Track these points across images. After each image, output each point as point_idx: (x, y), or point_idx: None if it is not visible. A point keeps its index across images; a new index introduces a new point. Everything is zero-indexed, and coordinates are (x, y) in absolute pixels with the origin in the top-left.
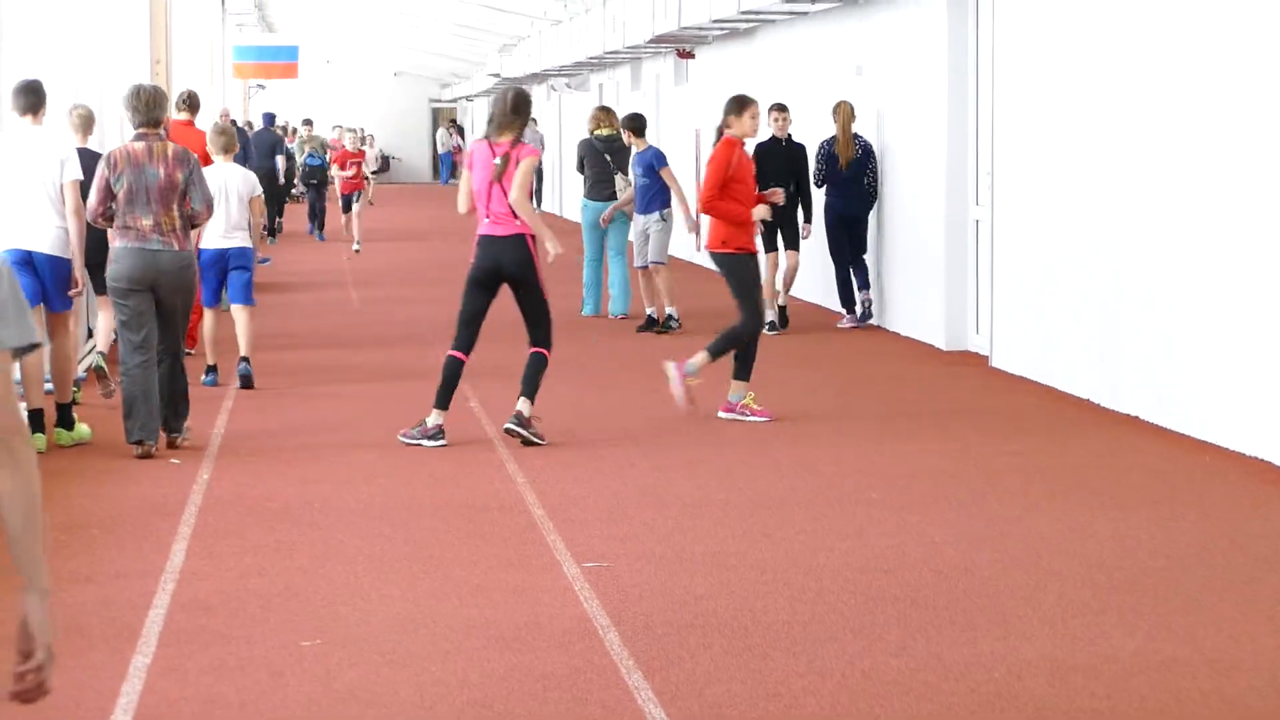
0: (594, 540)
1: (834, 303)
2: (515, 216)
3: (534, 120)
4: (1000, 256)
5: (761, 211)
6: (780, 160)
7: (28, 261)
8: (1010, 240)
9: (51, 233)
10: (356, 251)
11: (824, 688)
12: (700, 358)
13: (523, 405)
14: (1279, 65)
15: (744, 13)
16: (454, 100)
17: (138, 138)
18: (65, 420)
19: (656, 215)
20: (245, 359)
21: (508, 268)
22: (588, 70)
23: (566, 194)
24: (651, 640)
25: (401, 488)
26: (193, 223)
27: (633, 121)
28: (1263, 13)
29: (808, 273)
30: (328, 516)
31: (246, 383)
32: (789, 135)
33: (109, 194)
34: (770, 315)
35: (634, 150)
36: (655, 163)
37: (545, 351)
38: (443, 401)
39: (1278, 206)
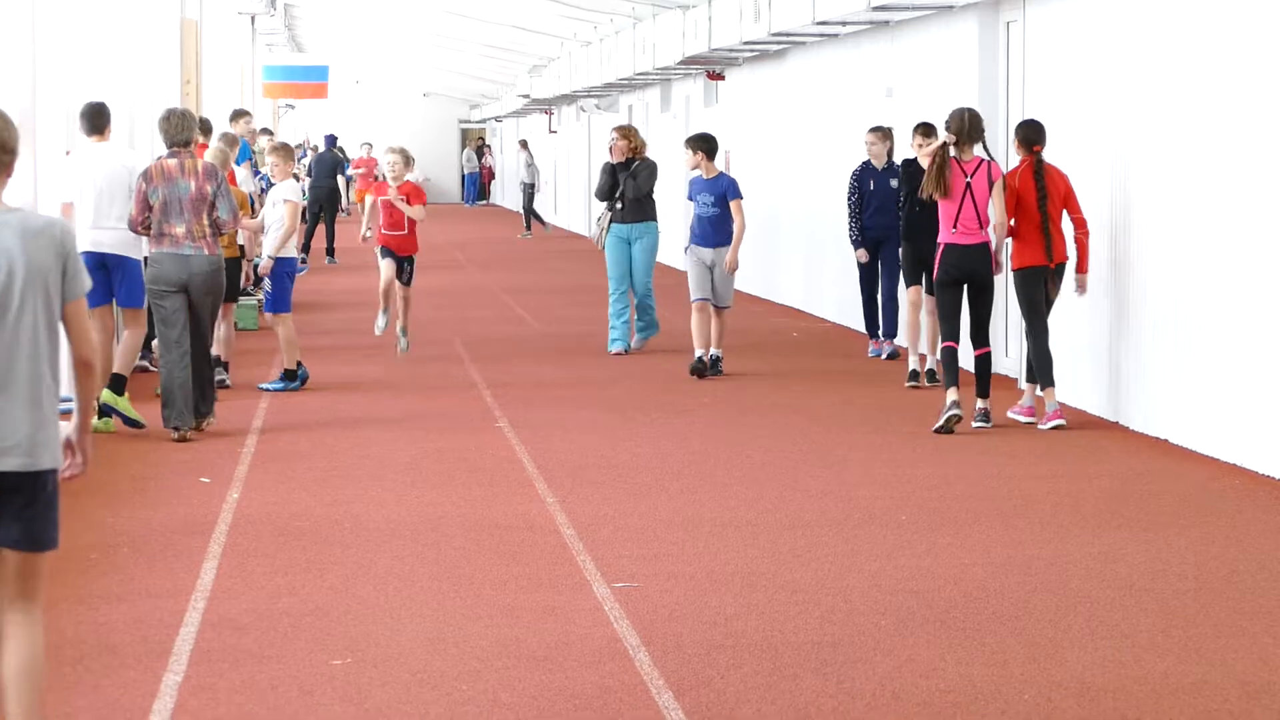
0: (624, 560)
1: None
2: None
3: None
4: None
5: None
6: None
7: (101, 264)
8: None
9: (120, 235)
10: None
11: (854, 709)
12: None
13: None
14: None
15: (774, 35)
16: (483, 121)
17: (170, 155)
18: (118, 386)
19: (726, 249)
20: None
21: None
22: (617, 92)
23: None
24: (682, 660)
25: (432, 508)
26: (219, 230)
27: (705, 143)
28: None
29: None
30: (358, 536)
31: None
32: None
33: (146, 205)
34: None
35: (700, 174)
36: (730, 193)
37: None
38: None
39: None
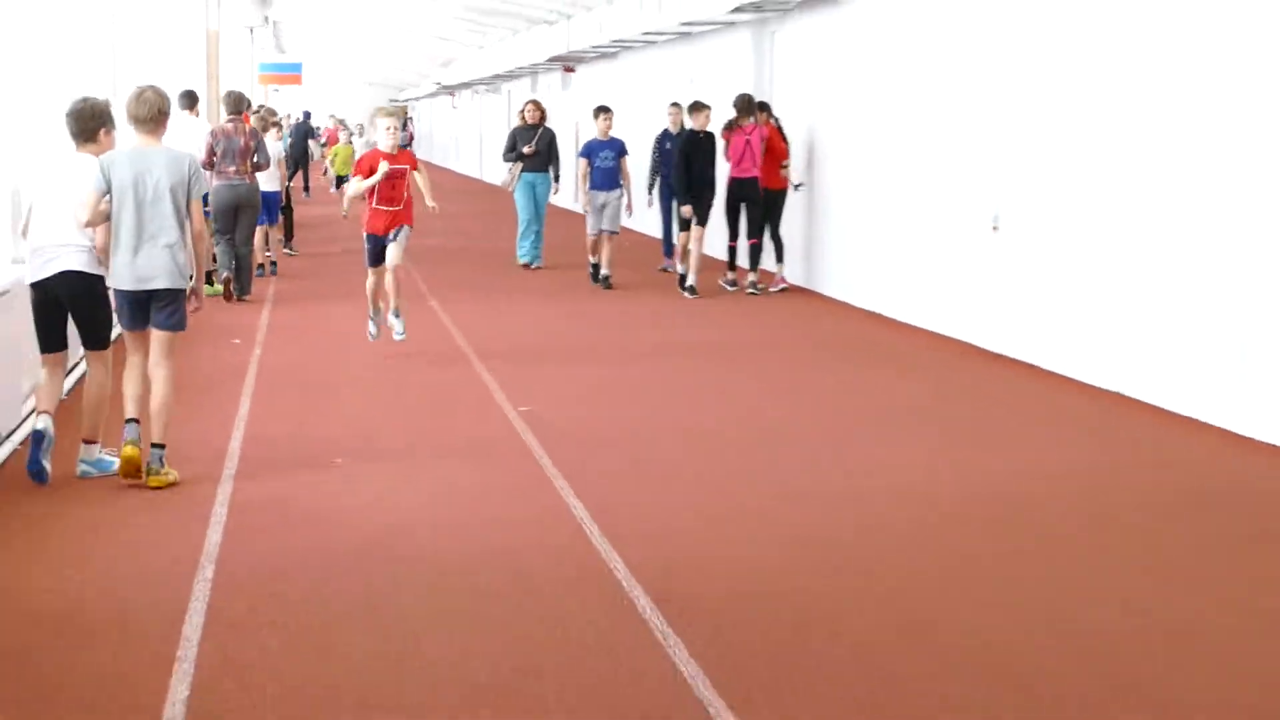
0: (524, 394)
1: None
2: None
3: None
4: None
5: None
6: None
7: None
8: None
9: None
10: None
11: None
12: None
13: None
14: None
15: (613, 41)
16: (408, 100)
17: (228, 121)
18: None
19: (618, 191)
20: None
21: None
22: (500, 80)
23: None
24: (563, 455)
25: (393, 370)
26: (257, 169)
27: (609, 112)
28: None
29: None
30: (344, 384)
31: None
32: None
33: (213, 152)
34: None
35: (598, 138)
36: (622, 151)
37: None
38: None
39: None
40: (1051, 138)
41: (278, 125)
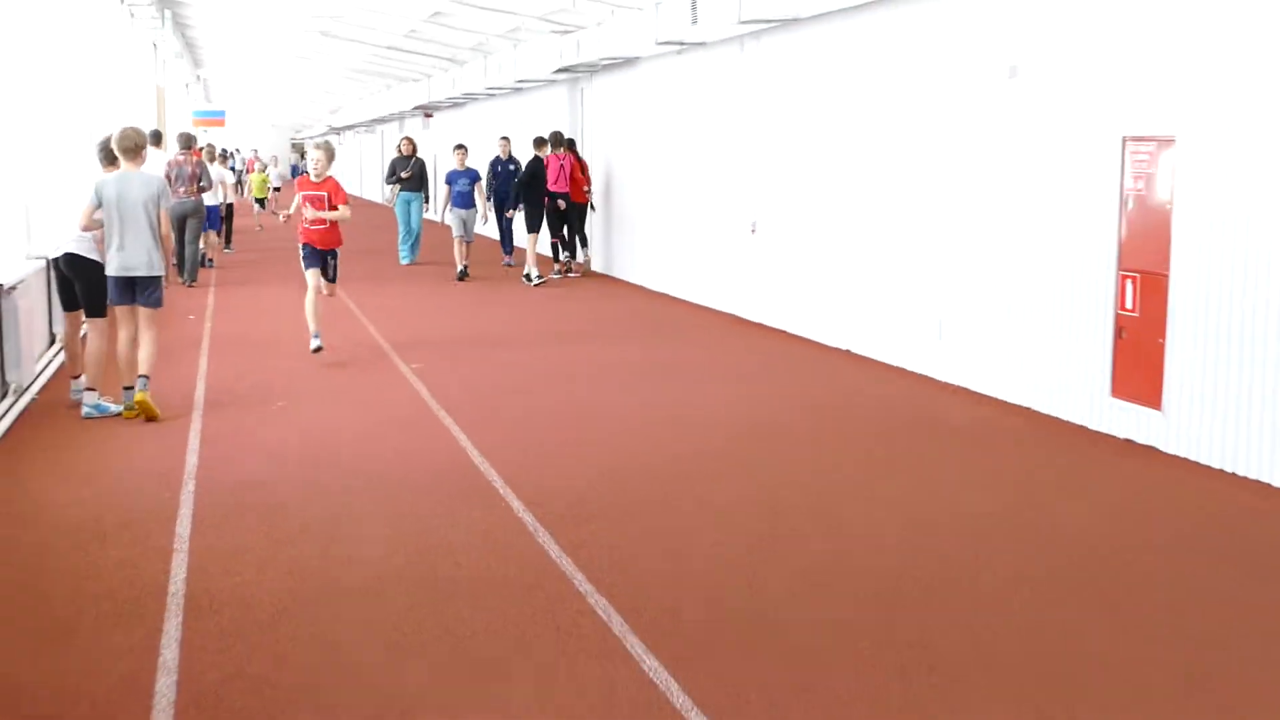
0: (412, 353)
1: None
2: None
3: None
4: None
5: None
6: (509, 171)
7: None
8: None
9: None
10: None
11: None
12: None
13: None
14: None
15: (463, 94)
16: (303, 139)
17: (180, 154)
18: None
19: (474, 209)
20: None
21: None
22: (375, 124)
23: (368, 185)
24: (447, 399)
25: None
26: (202, 190)
27: (464, 149)
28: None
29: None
30: (281, 346)
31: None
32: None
33: (169, 177)
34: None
35: (457, 167)
36: (475, 178)
37: None
38: None
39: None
40: (791, 169)
41: (224, 156)
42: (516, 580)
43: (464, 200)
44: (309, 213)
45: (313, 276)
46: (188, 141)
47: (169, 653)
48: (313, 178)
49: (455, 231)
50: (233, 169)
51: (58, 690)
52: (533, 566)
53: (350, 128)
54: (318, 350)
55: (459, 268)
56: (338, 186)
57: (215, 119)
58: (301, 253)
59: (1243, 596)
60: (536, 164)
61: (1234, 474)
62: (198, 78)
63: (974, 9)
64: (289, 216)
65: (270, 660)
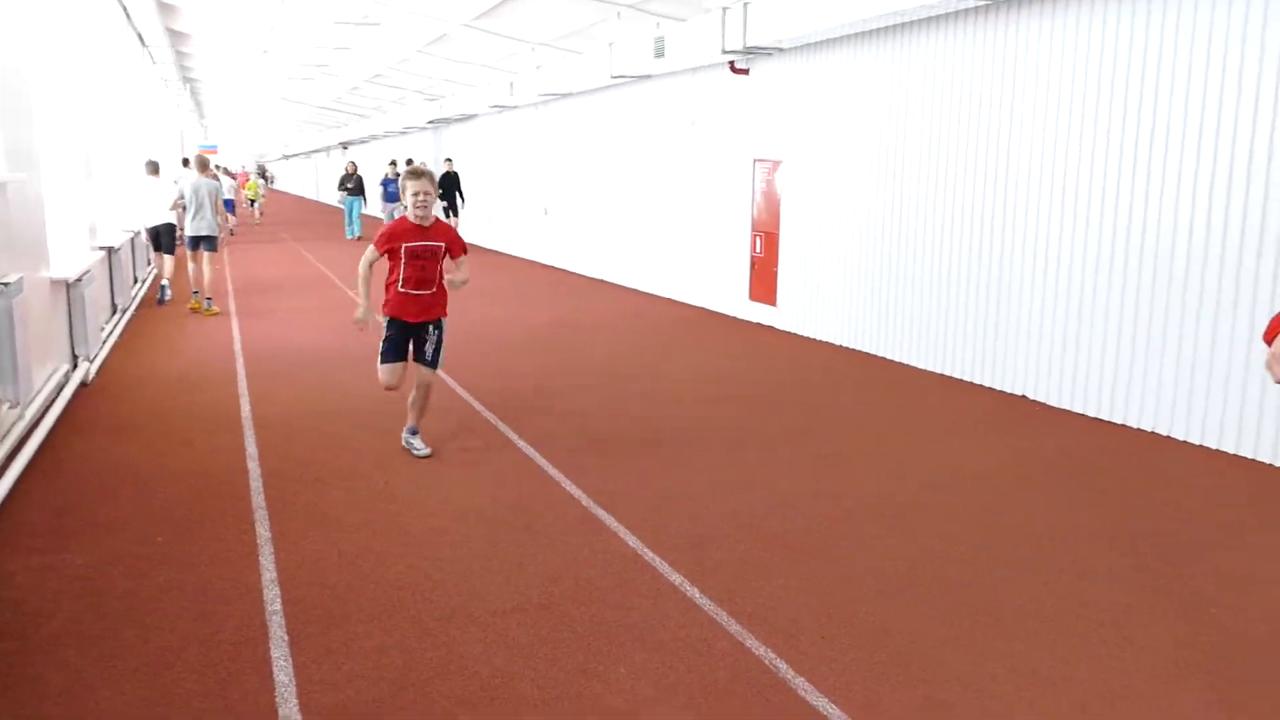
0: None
1: None
2: None
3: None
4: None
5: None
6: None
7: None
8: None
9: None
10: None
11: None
12: None
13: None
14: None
15: (369, 135)
16: (265, 160)
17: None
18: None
19: (396, 207)
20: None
21: None
22: (313, 153)
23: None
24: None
25: (275, 279)
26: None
27: (394, 164)
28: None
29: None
30: (281, 292)
31: None
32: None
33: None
34: None
35: (388, 177)
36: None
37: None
38: None
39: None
40: (567, 178)
41: (227, 172)
42: (437, 402)
43: (392, 197)
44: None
45: (390, 374)
46: (201, 164)
47: (251, 448)
48: (416, 219)
49: (386, 219)
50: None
51: (193, 469)
52: (444, 393)
53: (297, 155)
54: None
55: None
56: (456, 235)
57: (212, 150)
58: (385, 332)
59: (801, 398)
60: (445, 176)
61: (813, 338)
62: (202, 125)
63: (670, 88)
64: (363, 323)
65: (304, 448)
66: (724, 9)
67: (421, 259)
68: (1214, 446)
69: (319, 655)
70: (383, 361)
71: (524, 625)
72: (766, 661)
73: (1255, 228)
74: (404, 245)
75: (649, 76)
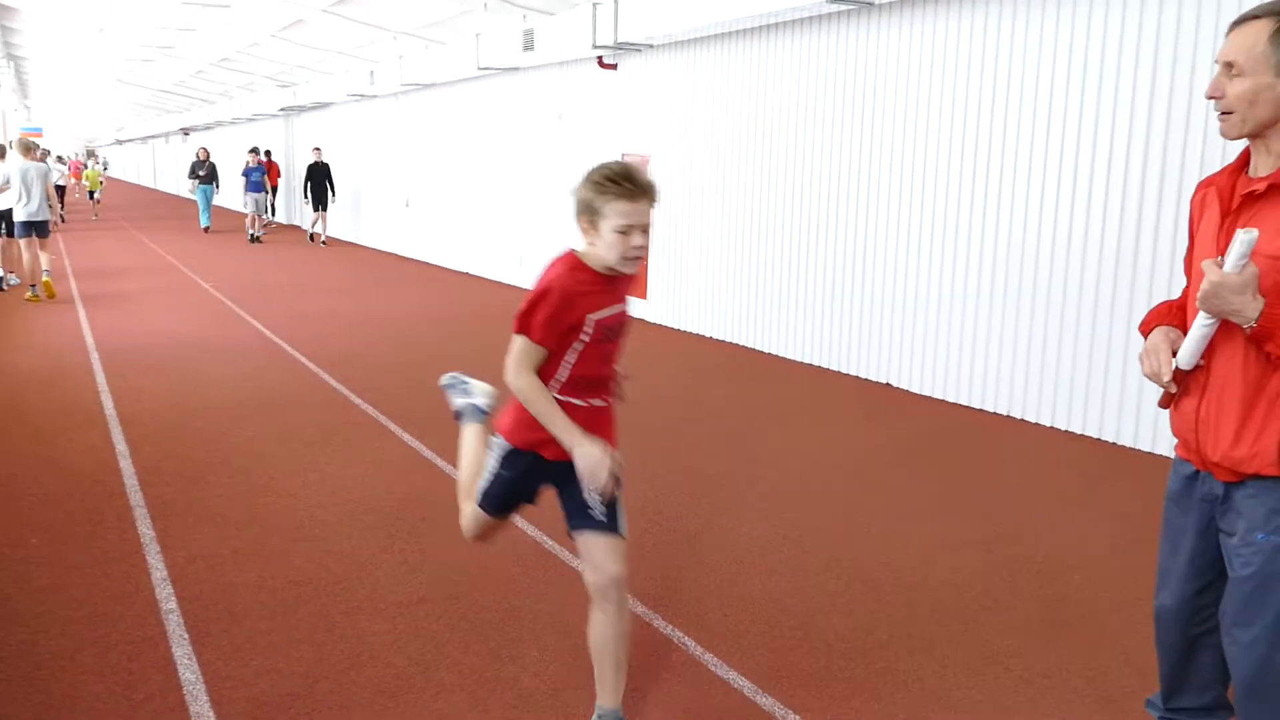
0: (213, 278)
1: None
2: None
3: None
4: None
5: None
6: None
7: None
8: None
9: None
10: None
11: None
12: None
13: None
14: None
15: (215, 120)
16: (96, 146)
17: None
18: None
19: (263, 193)
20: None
21: None
22: (150, 139)
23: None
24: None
25: (157, 268)
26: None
27: (255, 152)
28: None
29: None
30: (141, 280)
31: None
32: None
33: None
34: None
35: (249, 166)
36: (265, 171)
37: None
38: None
39: None
40: (428, 171)
41: (59, 159)
42: (311, 396)
43: (255, 187)
44: (562, 368)
45: (494, 529)
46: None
47: (120, 445)
48: (612, 268)
49: (249, 209)
50: (60, 161)
51: (61, 469)
52: (317, 386)
53: (130, 140)
54: None
55: (249, 234)
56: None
57: (37, 133)
58: (499, 465)
59: (674, 390)
60: (314, 167)
61: (683, 330)
62: (25, 106)
63: (538, 81)
64: (536, 391)
65: (177, 444)
66: (594, 4)
67: (612, 341)
68: (1061, 426)
69: (225, 652)
70: (484, 505)
71: (433, 615)
72: (675, 640)
73: (1097, 227)
74: (592, 318)
75: (517, 69)
